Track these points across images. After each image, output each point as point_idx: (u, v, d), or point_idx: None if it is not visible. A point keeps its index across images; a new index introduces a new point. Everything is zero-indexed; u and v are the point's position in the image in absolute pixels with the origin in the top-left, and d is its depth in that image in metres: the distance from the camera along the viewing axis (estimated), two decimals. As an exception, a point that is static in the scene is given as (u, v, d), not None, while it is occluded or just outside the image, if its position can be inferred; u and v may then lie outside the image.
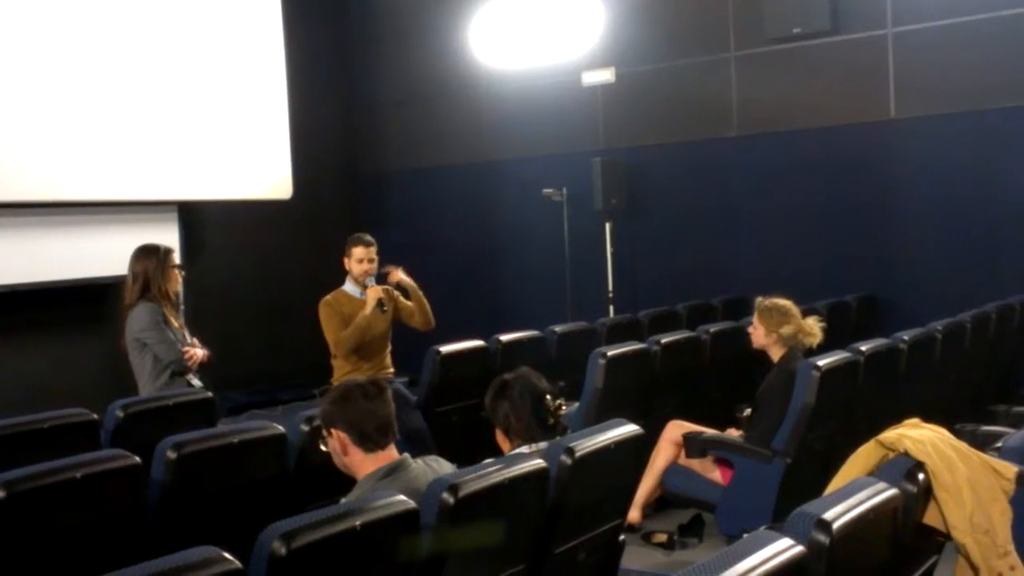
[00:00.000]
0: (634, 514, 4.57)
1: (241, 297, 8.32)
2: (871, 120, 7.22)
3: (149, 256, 4.87)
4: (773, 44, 7.49)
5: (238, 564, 2.00)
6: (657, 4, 8.02)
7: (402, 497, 2.40)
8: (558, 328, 5.76)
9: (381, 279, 5.37)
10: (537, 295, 8.55)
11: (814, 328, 4.64)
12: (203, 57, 7.84)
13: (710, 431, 4.69)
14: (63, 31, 7.01)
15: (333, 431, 2.77)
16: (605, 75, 8.19)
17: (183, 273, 5.05)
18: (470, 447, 4.04)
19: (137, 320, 4.77)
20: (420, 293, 5.44)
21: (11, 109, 6.75)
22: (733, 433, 4.76)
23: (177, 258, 5.01)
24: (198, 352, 4.88)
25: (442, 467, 2.86)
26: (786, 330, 4.58)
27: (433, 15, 9.00)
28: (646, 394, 4.91)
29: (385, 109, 9.53)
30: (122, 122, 7.31)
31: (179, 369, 4.79)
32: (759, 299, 4.73)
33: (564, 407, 3.32)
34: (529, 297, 8.60)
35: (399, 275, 5.42)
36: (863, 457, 2.83)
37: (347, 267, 5.38)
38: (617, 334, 5.86)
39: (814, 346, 4.65)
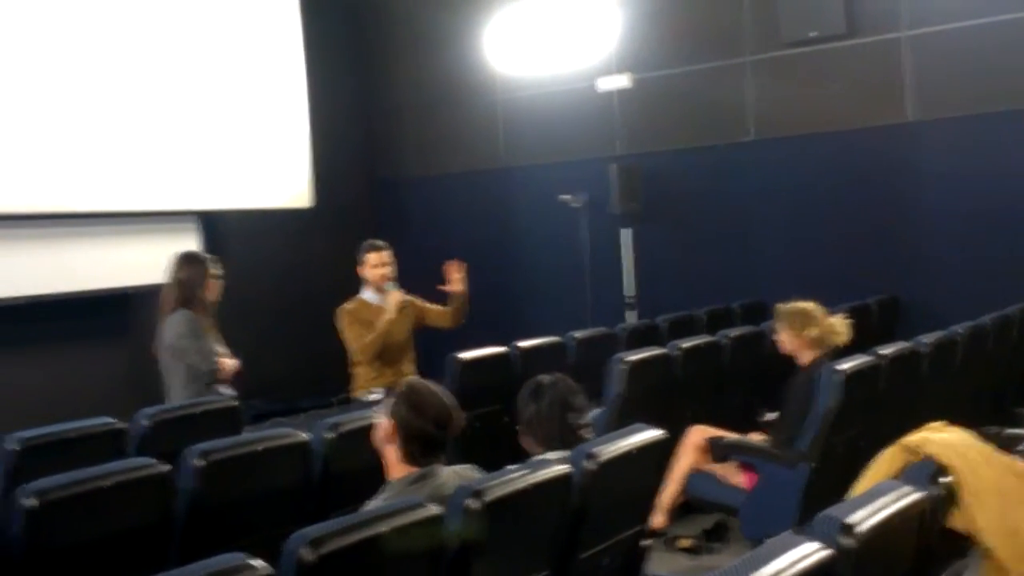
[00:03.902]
0: (658, 519, 4.56)
1: (262, 305, 8.35)
2: (888, 123, 7.20)
3: (192, 264, 4.86)
4: (789, 48, 7.48)
5: (268, 570, 2.02)
6: (672, 9, 8.02)
7: (428, 503, 2.42)
8: (578, 334, 5.75)
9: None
10: (555, 301, 8.55)
11: (839, 326, 4.61)
12: (223, 68, 7.90)
13: (732, 435, 4.69)
14: (84, 45, 7.08)
15: (390, 419, 2.79)
16: (621, 80, 8.19)
17: (222, 282, 5.04)
18: (492, 453, 4.04)
19: (174, 326, 4.75)
20: (463, 298, 5.46)
21: (33, 121, 6.82)
22: (755, 437, 4.75)
23: (217, 268, 5.00)
24: (230, 363, 4.89)
25: (473, 476, 2.87)
26: (811, 332, 4.56)
27: (450, 22, 9.04)
28: (667, 399, 4.91)
29: (403, 116, 9.57)
30: (143, 133, 7.38)
31: (212, 380, 4.80)
32: (780, 305, 4.72)
33: (589, 430, 3.30)
34: (547, 303, 8.61)
35: (457, 282, 5.41)
36: (888, 461, 2.83)
37: (362, 275, 5.41)
38: (637, 339, 5.85)
39: (842, 344, 4.63)
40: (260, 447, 3.21)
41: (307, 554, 2.12)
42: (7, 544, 2.71)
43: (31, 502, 2.66)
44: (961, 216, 6.92)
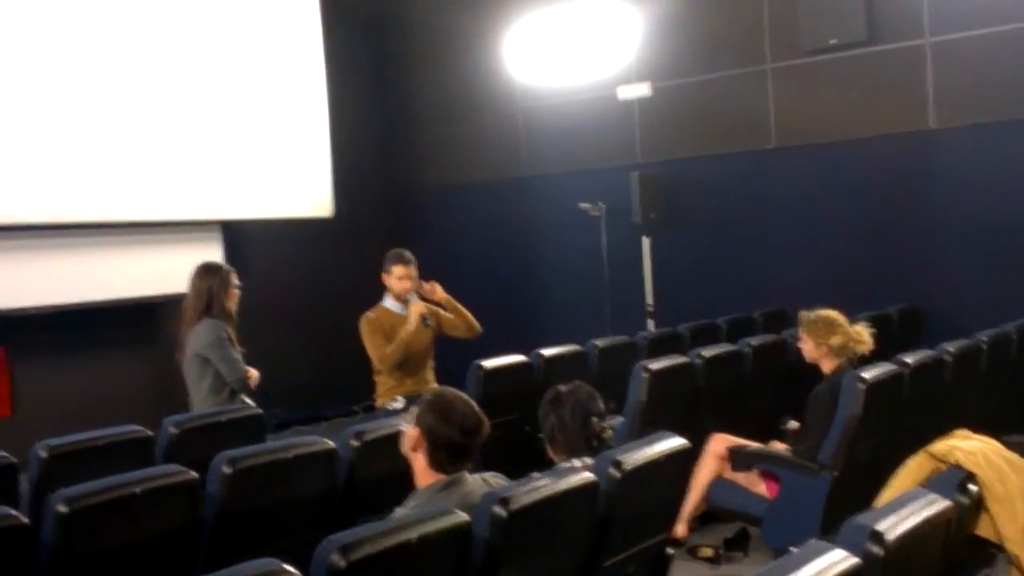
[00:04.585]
0: (679, 528, 4.56)
1: (283, 314, 8.40)
2: (910, 130, 7.18)
3: (212, 274, 4.89)
4: (809, 56, 7.47)
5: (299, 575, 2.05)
6: (692, 17, 8.04)
7: (456, 511, 2.44)
8: (599, 342, 5.76)
9: (423, 300, 5.42)
10: (576, 309, 8.56)
11: (863, 335, 4.61)
12: (246, 80, 7.97)
13: (754, 444, 4.69)
14: (109, 61, 7.16)
15: (417, 428, 2.81)
16: (641, 89, 8.20)
17: (240, 292, 5.08)
18: (515, 461, 4.06)
19: (201, 335, 4.78)
20: (457, 304, 5.49)
21: (60, 134, 6.90)
22: (777, 446, 4.75)
23: (236, 277, 5.03)
24: (254, 372, 4.92)
25: (500, 483, 2.89)
26: (835, 341, 4.57)
27: (470, 32, 9.08)
28: (689, 408, 4.91)
29: (423, 126, 9.62)
30: (167, 144, 7.44)
31: (239, 388, 4.83)
32: (804, 313, 4.72)
33: (610, 431, 3.32)
34: (568, 312, 8.62)
35: (439, 292, 5.47)
36: (914, 469, 2.83)
37: (387, 284, 5.44)
38: (658, 348, 5.85)
39: (866, 353, 4.63)
40: (288, 454, 3.24)
41: (338, 560, 2.14)
42: (39, 549, 2.74)
43: (63, 508, 2.70)
44: (984, 224, 6.89)
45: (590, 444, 3.19)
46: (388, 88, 9.74)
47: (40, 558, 2.73)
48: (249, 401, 4.84)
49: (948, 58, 6.99)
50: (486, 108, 9.16)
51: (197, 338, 4.78)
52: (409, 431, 2.84)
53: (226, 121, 7.82)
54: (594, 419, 3.24)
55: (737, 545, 4.82)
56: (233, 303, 4.94)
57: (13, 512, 2.69)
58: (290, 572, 2.04)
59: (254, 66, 8.04)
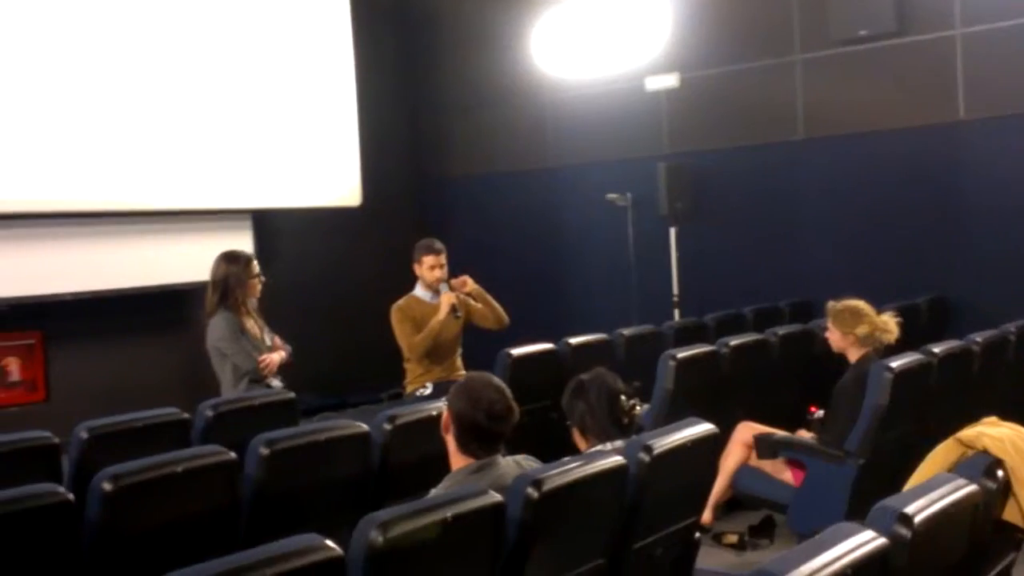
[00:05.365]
0: (705, 515, 4.60)
1: (311, 302, 8.48)
2: (939, 122, 7.15)
3: (230, 264, 4.99)
4: (839, 46, 7.46)
5: (339, 551, 2.11)
6: (721, 8, 8.03)
7: (490, 491, 2.49)
8: (626, 331, 5.80)
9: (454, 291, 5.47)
10: (602, 299, 8.60)
11: (890, 324, 4.63)
12: (275, 70, 8.04)
13: (781, 432, 4.72)
14: (143, 46, 7.24)
15: (448, 409, 2.88)
16: (669, 80, 8.20)
17: (263, 279, 5.15)
18: (542, 448, 4.11)
19: (215, 329, 4.92)
20: (487, 296, 5.55)
21: (92, 121, 6.99)
22: (803, 434, 4.78)
23: (257, 267, 5.11)
24: (274, 358, 5.00)
25: (532, 465, 2.95)
26: (861, 330, 4.59)
27: (497, 22, 9.11)
28: (716, 396, 4.94)
29: (451, 116, 9.66)
30: (199, 134, 7.53)
31: (256, 378, 4.92)
32: (831, 303, 4.74)
33: (638, 407, 3.39)
34: (594, 301, 8.65)
35: (470, 285, 5.53)
36: (942, 454, 2.86)
37: (417, 273, 5.50)
38: (684, 337, 5.88)
39: (892, 342, 4.64)
40: (323, 437, 3.30)
41: (376, 536, 2.20)
42: (83, 526, 2.82)
43: (108, 486, 2.77)
44: (1013, 215, 6.86)
45: (620, 423, 3.24)
46: (416, 78, 9.79)
47: (84, 535, 2.81)
48: (276, 383, 4.94)
49: (978, 49, 6.96)
50: (514, 98, 9.19)
51: (212, 332, 4.94)
52: (444, 412, 2.91)
53: (256, 111, 7.89)
54: (622, 398, 3.29)
55: (762, 532, 4.85)
56: (253, 293, 5.03)
57: (60, 489, 2.76)
58: (330, 547, 2.10)
59: (284, 57, 8.11)
